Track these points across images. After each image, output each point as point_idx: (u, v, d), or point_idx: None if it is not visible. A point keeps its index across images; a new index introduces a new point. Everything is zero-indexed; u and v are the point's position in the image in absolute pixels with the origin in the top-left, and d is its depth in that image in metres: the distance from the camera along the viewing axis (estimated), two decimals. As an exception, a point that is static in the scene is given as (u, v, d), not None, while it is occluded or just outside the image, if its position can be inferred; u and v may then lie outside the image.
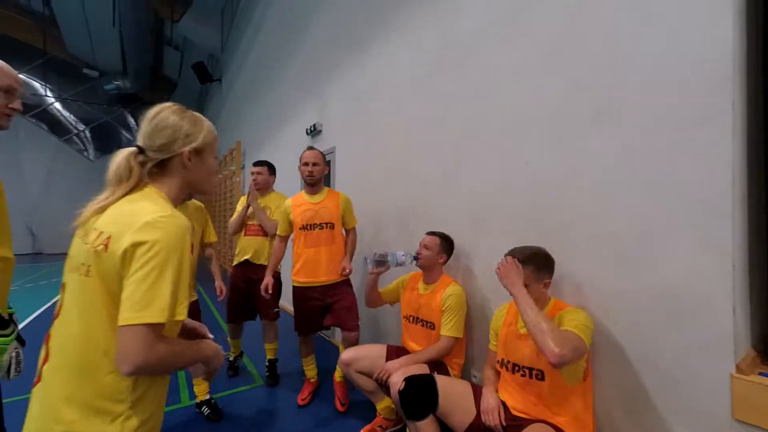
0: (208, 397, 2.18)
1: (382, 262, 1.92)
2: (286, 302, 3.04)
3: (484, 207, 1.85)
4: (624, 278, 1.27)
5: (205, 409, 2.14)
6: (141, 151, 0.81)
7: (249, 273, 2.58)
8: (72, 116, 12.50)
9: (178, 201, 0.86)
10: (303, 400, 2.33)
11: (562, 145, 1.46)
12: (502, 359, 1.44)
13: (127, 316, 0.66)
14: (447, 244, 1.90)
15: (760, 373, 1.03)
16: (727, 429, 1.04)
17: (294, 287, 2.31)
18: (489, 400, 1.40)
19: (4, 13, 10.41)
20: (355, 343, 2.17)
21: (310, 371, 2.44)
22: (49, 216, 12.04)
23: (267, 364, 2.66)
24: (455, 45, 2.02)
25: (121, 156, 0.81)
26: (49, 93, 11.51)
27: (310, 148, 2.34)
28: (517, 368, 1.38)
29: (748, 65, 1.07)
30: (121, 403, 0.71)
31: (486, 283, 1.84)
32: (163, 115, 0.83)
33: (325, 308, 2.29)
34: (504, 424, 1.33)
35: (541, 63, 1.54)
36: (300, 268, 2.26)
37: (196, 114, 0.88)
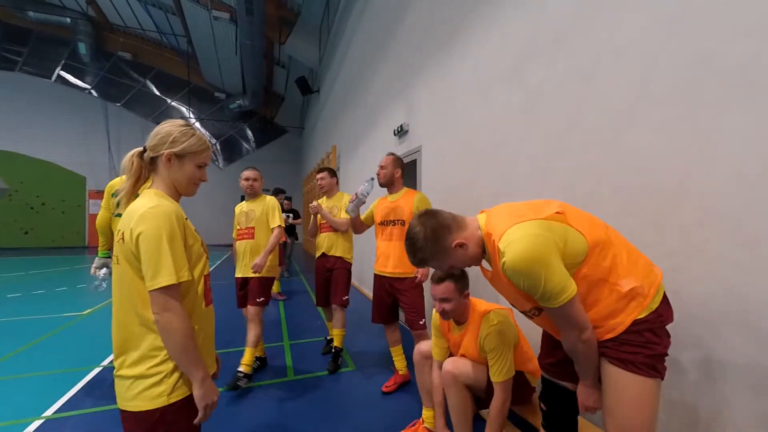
0: (246, 368, 2.50)
1: (359, 203, 2.37)
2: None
3: (580, 203, 1.69)
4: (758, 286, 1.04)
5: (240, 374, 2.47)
6: (144, 150, 1.05)
7: (326, 263, 2.96)
8: (207, 132, 15.19)
9: (177, 196, 1.07)
10: (387, 387, 2.45)
11: (680, 130, 1.25)
12: None
13: (148, 284, 0.92)
14: (462, 282, 1.61)
15: None
16: None
17: (374, 276, 2.57)
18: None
19: (162, 54, 13.21)
20: (423, 339, 2.22)
21: (398, 362, 2.55)
22: (192, 215, 14.84)
23: (333, 350, 2.89)
24: (546, 29, 1.88)
25: (129, 153, 1.05)
26: (191, 115, 14.20)
27: (389, 154, 2.48)
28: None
29: None
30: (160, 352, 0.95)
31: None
32: (165, 125, 1.05)
33: (396, 302, 2.46)
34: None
35: (653, 36, 1.34)
36: (376, 258, 2.52)
37: (192, 129, 1.06)
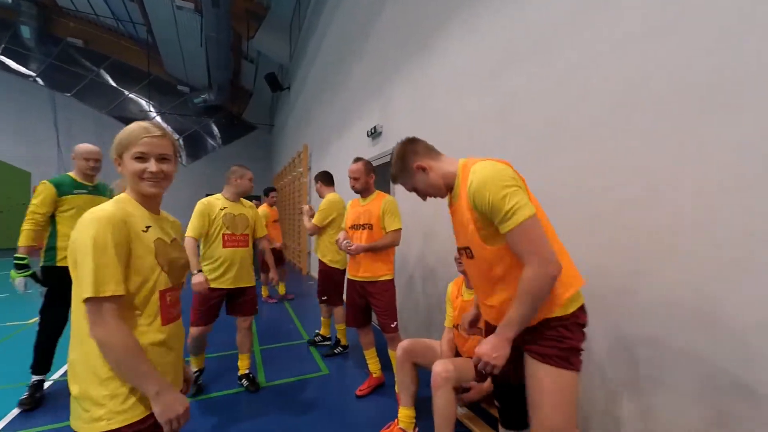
0: (247, 371, 2.57)
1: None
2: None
3: (555, 206, 1.75)
4: (726, 291, 1.12)
5: (245, 382, 2.53)
6: None
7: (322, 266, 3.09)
8: (169, 127, 14.42)
9: (142, 199, 1.01)
10: (361, 391, 2.45)
11: (655, 139, 1.33)
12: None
13: (74, 294, 0.87)
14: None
15: None
16: None
17: (347, 281, 2.59)
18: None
19: (118, 42, 12.37)
20: (396, 341, 2.26)
21: (372, 365, 2.55)
22: (152, 214, 14.05)
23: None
24: (524, 34, 1.92)
25: None
26: (152, 108, 13.41)
27: (356, 160, 2.46)
28: None
29: None
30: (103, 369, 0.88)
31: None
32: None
33: (369, 305, 2.47)
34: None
35: (630, 47, 1.40)
36: (349, 263, 2.50)
37: (128, 127, 1.00)
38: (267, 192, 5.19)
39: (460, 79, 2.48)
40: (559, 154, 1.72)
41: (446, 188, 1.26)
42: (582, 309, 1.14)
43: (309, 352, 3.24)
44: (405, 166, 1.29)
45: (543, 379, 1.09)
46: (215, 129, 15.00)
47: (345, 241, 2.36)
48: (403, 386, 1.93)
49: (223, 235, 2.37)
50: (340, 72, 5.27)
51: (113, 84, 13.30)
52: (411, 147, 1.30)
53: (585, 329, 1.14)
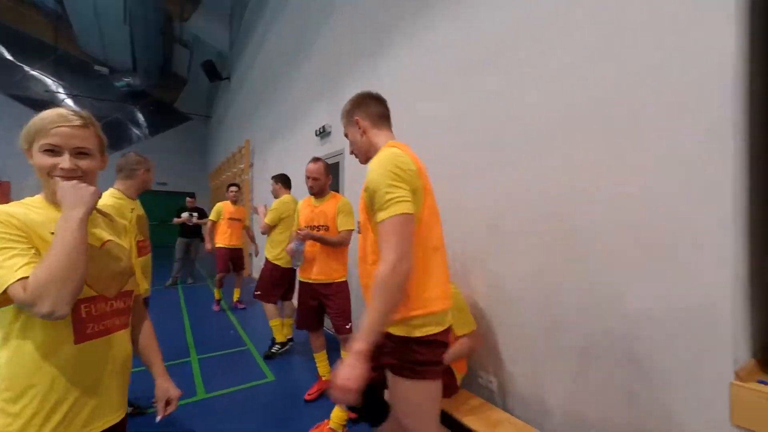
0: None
1: (300, 254, 2.32)
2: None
3: (496, 216, 1.89)
4: (640, 285, 1.32)
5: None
6: None
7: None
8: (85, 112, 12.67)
9: (52, 197, 0.86)
10: (310, 395, 2.42)
11: (592, 153, 1.50)
12: None
13: None
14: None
15: (759, 381, 1.07)
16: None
17: (299, 283, 2.53)
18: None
19: (16, 8, 10.56)
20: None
21: (321, 369, 2.52)
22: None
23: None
24: (479, 49, 2.02)
25: None
26: (61, 89, 11.67)
27: (315, 160, 2.41)
28: None
29: (751, 80, 1.11)
30: None
31: (497, 285, 1.89)
32: None
33: (321, 308, 2.44)
34: None
35: (574, 67, 1.54)
36: (302, 265, 2.44)
37: (43, 113, 0.87)
38: (227, 187, 4.74)
39: (413, 83, 2.55)
40: (501, 166, 1.86)
41: (366, 158, 1.27)
42: (445, 333, 1.13)
43: (253, 359, 3.10)
44: (350, 112, 1.29)
45: (394, 388, 1.11)
46: (141, 117, 13.53)
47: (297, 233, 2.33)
48: None
49: (138, 242, 1.87)
50: (289, 68, 5.10)
51: (10, 58, 11.34)
52: (366, 101, 1.28)
53: (444, 345, 1.14)
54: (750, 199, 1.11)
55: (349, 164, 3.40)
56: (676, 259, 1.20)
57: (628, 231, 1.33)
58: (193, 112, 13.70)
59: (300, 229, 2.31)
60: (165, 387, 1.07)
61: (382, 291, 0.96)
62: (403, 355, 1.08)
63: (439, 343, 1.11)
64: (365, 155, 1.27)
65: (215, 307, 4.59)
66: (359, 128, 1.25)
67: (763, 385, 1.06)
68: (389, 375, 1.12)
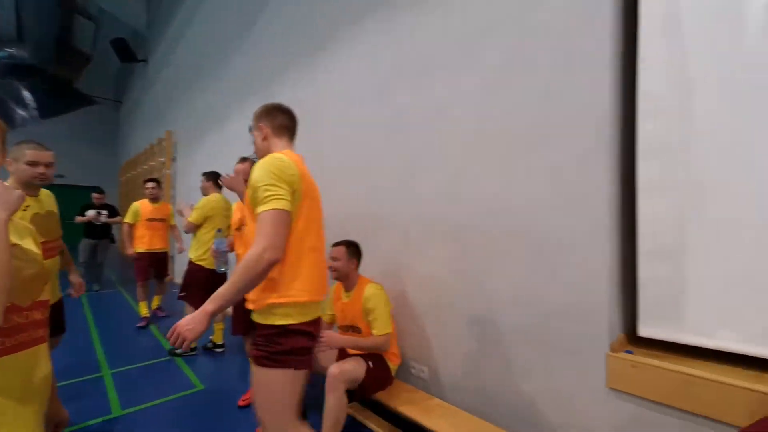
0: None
1: (224, 257, 2.24)
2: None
3: (425, 222, 2.06)
4: (540, 278, 1.56)
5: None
6: None
7: None
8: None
9: None
10: (244, 401, 2.35)
11: (496, 170, 1.72)
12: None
13: None
14: (353, 249, 2.05)
15: (626, 351, 1.37)
16: (603, 395, 1.36)
17: None
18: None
19: None
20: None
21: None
22: None
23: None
24: (410, 65, 2.18)
25: None
26: None
27: (242, 159, 2.33)
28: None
29: (624, 115, 1.40)
30: None
31: (433, 284, 2.06)
32: None
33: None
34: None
35: (488, 89, 1.76)
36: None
37: None
38: (143, 183, 4.09)
39: (352, 88, 2.62)
40: (423, 176, 2.04)
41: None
42: (306, 323, 1.21)
43: (179, 369, 2.89)
44: (258, 117, 1.38)
45: (254, 378, 1.19)
46: (28, 95, 11.44)
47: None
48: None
49: (43, 244, 1.64)
50: (219, 58, 4.80)
51: None
52: (274, 113, 1.37)
53: (307, 334, 1.21)
54: (617, 208, 1.40)
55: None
56: (563, 258, 1.47)
57: (523, 236, 1.59)
58: (100, 96, 12.00)
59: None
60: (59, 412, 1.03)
61: (244, 271, 1.06)
62: (266, 344, 1.16)
63: (301, 332, 1.19)
64: (261, 158, 1.35)
65: (141, 324, 3.92)
66: (262, 133, 1.36)
67: (629, 354, 1.35)
68: (252, 367, 1.19)
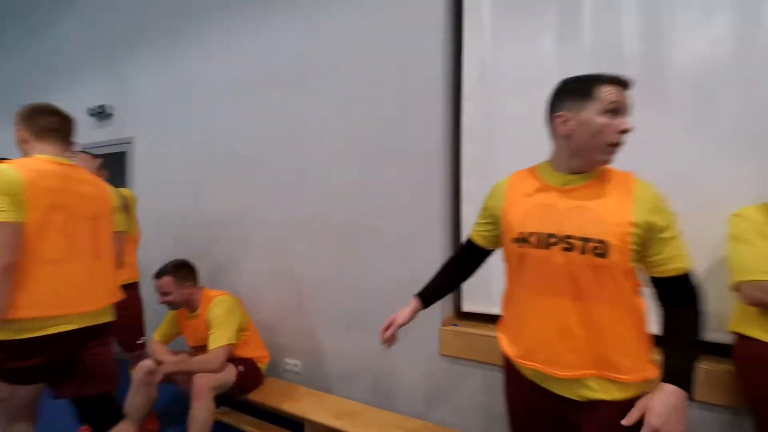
0: None
1: None
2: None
3: (292, 226, 2.16)
4: (392, 269, 1.85)
5: None
6: None
7: None
8: None
9: None
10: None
11: (361, 175, 1.94)
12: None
13: None
14: (182, 272, 1.90)
15: (452, 324, 1.76)
16: (437, 361, 1.73)
17: None
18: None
19: None
20: (143, 359, 1.99)
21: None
22: None
23: None
24: (282, 61, 2.21)
25: None
26: None
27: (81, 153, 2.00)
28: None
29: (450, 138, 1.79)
30: None
31: (304, 281, 2.16)
32: None
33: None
34: None
35: (348, 111, 1.96)
36: None
37: None
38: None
39: (218, 85, 2.50)
40: (307, 181, 2.15)
41: None
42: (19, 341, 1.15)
43: None
44: (16, 120, 1.33)
45: None
46: None
47: None
48: (134, 407, 1.75)
49: None
50: (45, 11, 3.82)
51: None
52: (35, 116, 1.31)
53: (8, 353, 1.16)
54: (448, 213, 1.78)
55: (142, 156, 2.95)
56: (409, 252, 1.79)
57: (380, 234, 1.87)
58: None
59: None
60: None
61: None
62: None
63: (16, 348, 1.15)
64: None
65: None
66: (19, 136, 1.33)
67: (455, 327, 1.74)
68: None
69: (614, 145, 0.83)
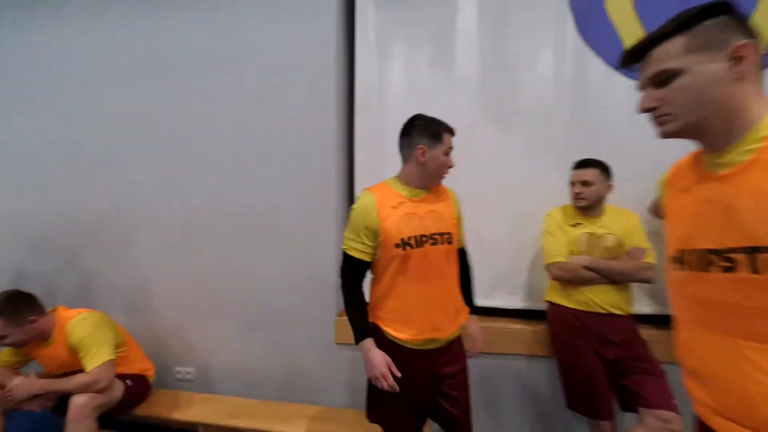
0: None
1: None
2: None
3: (203, 223, 2.07)
4: (293, 266, 1.94)
5: None
6: None
7: None
8: None
9: None
10: None
11: (259, 177, 1.97)
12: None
13: None
14: (18, 308, 1.56)
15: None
16: (333, 348, 1.88)
17: None
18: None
19: None
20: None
21: None
22: None
23: None
24: (171, 50, 2.08)
25: None
26: None
27: None
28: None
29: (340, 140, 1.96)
30: None
31: (195, 283, 2.08)
32: None
33: None
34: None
35: (250, 113, 1.96)
36: None
37: None
38: None
39: (96, 72, 2.20)
40: (200, 180, 2.08)
41: None
42: None
43: None
44: None
45: None
46: None
47: None
48: None
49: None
50: None
51: None
52: None
53: None
54: (342, 214, 1.95)
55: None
56: (307, 250, 1.91)
57: (280, 234, 1.95)
58: None
59: None
60: None
61: None
62: None
63: None
64: None
65: None
66: None
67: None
68: None
69: (446, 174, 1.24)
